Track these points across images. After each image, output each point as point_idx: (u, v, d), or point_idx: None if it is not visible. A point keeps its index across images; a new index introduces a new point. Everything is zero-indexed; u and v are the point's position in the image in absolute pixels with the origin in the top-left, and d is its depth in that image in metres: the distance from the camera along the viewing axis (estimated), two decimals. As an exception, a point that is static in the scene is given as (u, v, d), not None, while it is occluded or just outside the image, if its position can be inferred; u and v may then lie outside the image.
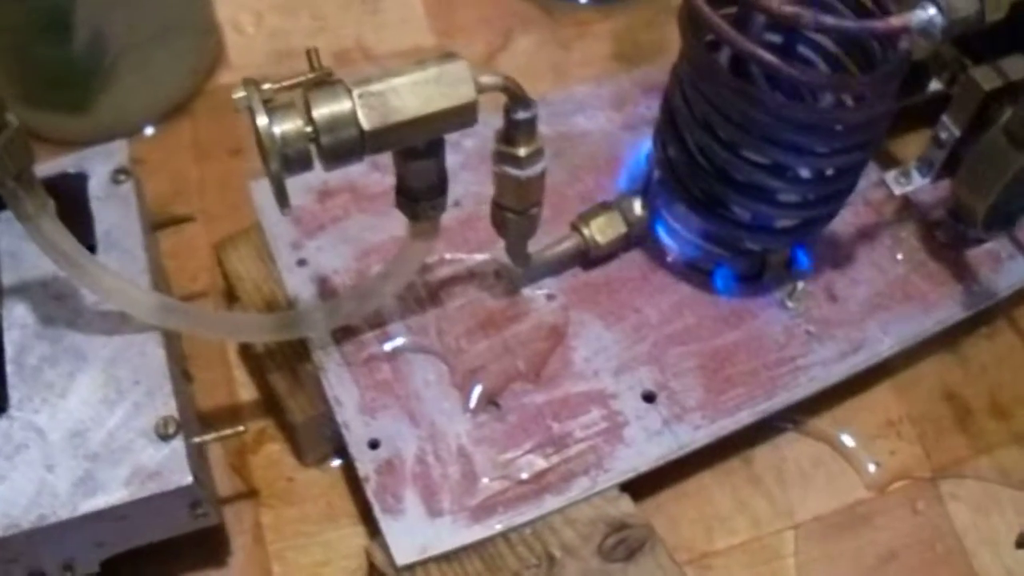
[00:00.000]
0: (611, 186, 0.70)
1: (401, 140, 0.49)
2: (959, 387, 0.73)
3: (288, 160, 0.47)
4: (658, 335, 0.64)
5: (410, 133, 0.48)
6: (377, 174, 0.67)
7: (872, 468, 0.69)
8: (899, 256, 0.71)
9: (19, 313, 0.58)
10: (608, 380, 0.62)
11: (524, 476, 0.58)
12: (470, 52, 0.88)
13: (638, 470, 0.59)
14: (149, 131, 0.82)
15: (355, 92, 0.47)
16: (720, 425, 0.61)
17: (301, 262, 0.65)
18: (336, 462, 0.66)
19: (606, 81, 0.77)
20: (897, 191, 0.74)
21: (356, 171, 0.61)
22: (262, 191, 0.67)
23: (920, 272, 0.70)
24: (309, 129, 0.47)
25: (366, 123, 0.47)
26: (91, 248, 0.60)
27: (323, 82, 0.48)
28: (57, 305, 0.59)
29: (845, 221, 0.70)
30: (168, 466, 0.53)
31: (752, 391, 0.62)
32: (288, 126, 0.46)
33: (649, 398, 0.62)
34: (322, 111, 0.46)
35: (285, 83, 0.49)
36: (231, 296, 0.69)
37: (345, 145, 0.47)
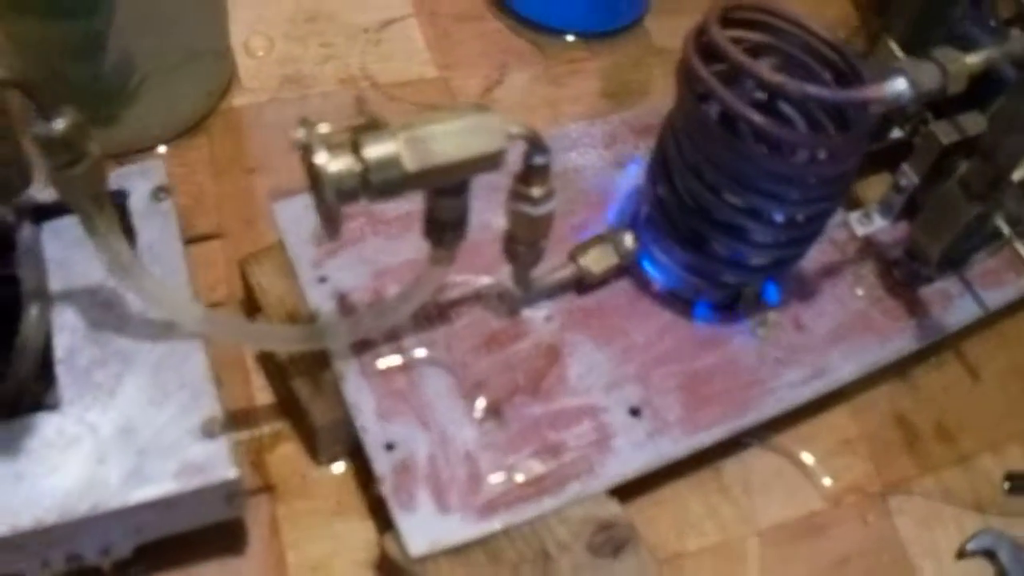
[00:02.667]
0: (602, 219, 0.79)
1: (438, 180, 0.57)
2: (909, 412, 0.83)
3: (341, 194, 0.55)
4: (644, 356, 0.73)
5: (446, 174, 0.57)
6: (391, 201, 0.76)
7: (828, 482, 0.78)
8: (859, 291, 0.80)
9: (68, 318, 0.65)
10: (599, 395, 0.71)
11: (523, 479, 0.67)
12: (469, 85, 0.98)
13: (625, 477, 0.68)
14: (161, 149, 0.89)
15: (401, 137, 0.56)
16: (697, 439, 0.70)
17: (322, 279, 0.73)
18: (345, 463, 0.74)
19: (598, 121, 0.87)
20: (859, 232, 0.84)
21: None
22: (285, 211, 0.75)
23: (878, 307, 0.80)
24: (359, 168, 0.55)
25: (410, 165, 0.55)
26: None
27: (372, 126, 0.57)
28: (104, 312, 0.66)
29: (812, 258, 0.80)
30: (213, 461, 0.61)
31: (726, 409, 0.72)
32: (342, 165, 0.55)
33: (635, 412, 0.70)
34: (371, 152, 0.55)
35: (340, 127, 0.57)
36: (251, 307, 0.77)
37: (390, 183, 0.56)
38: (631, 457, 0.69)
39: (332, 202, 0.55)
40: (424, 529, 0.65)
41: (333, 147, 0.55)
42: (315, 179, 0.55)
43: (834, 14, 1.12)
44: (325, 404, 0.70)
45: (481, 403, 0.69)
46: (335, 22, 1.03)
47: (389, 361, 0.70)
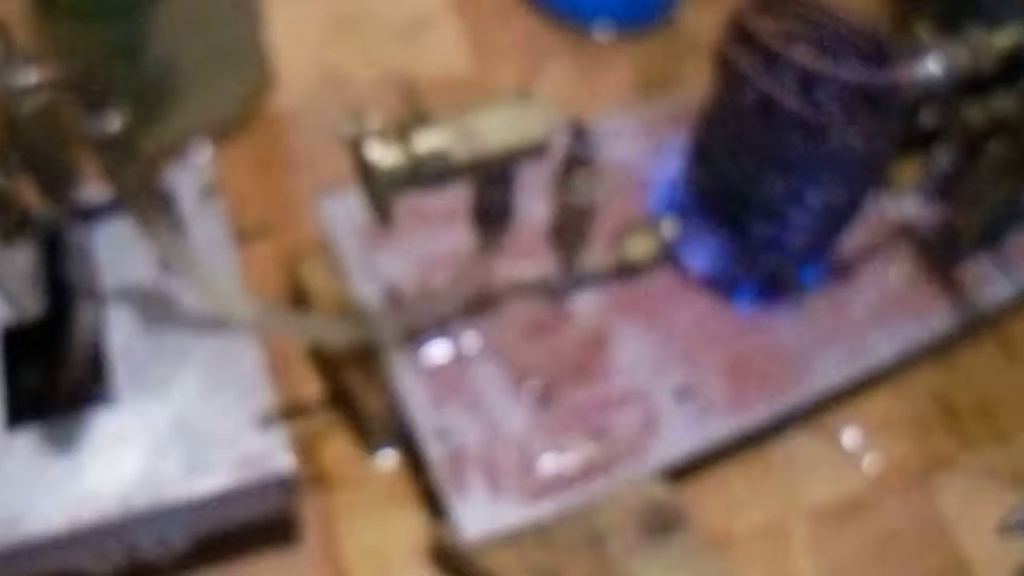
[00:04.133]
0: (642, 208, 0.81)
1: (487, 170, 0.59)
2: (948, 391, 0.85)
3: (393, 186, 0.57)
4: (687, 340, 0.75)
5: (495, 164, 0.59)
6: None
7: (870, 462, 0.80)
8: (896, 273, 0.82)
9: (122, 316, 0.67)
10: (644, 380, 0.73)
11: (573, 463, 0.69)
12: (505, 80, 0.99)
13: (673, 458, 0.70)
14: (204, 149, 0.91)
15: (449, 128, 0.57)
16: (743, 419, 0.72)
17: (371, 273, 0.75)
18: (397, 453, 0.76)
19: (634, 111, 0.89)
20: (895, 213, 0.85)
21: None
22: (331, 208, 0.77)
23: (915, 287, 0.82)
24: (410, 160, 0.57)
25: (457, 156, 0.57)
26: None
27: (419, 118, 0.58)
28: (157, 309, 0.68)
29: (848, 241, 0.81)
30: (270, 452, 0.63)
31: (770, 390, 0.74)
32: (393, 158, 0.56)
33: (680, 395, 0.73)
34: (421, 144, 0.57)
35: (384, 119, 0.59)
36: (300, 304, 0.79)
37: (441, 174, 0.58)
38: (678, 439, 0.71)
39: (384, 194, 0.57)
40: (477, 514, 0.67)
41: (382, 137, 0.57)
42: (367, 173, 0.57)
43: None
44: (376, 394, 0.72)
45: (530, 389, 0.71)
46: (372, 21, 1.05)
47: (438, 350, 0.72)
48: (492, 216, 0.64)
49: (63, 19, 0.79)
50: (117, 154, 0.57)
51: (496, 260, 0.67)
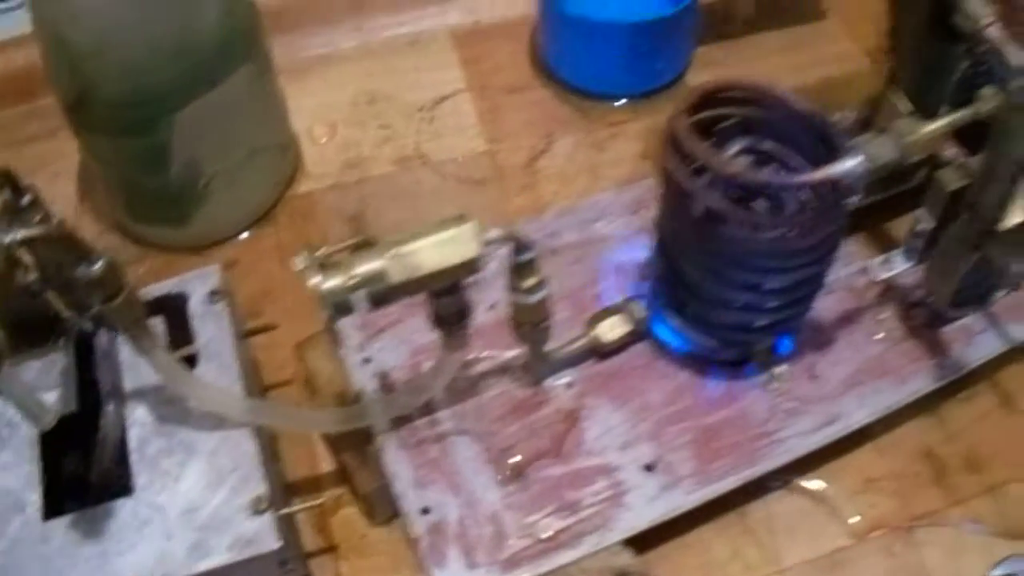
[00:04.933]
0: (622, 287, 0.87)
1: (424, 288, 0.66)
2: (937, 446, 0.88)
3: (337, 307, 0.64)
4: (658, 415, 0.81)
5: (430, 283, 0.66)
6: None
7: (854, 520, 0.84)
8: (879, 336, 0.86)
9: (139, 414, 0.77)
10: (614, 455, 0.79)
11: (544, 535, 0.75)
12: (516, 156, 1.07)
13: (637, 529, 0.76)
14: (244, 235, 1.02)
15: (387, 254, 0.64)
16: (708, 490, 0.78)
17: (366, 360, 0.83)
18: (400, 524, 0.83)
19: (627, 187, 0.95)
20: (881, 276, 0.89)
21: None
22: (333, 299, 0.85)
23: (896, 350, 0.85)
24: (351, 283, 0.64)
25: (395, 277, 0.64)
26: (193, 357, 0.79)
27: (363, 245, 0.66)
28: (169, 407, 0.77)
29: (828, 308, 0.86)
30: (261, 534, 0.72)
31: (736, 461, 0.79)
32: (335, 282, 0.64)
33: (649, 468, 0.78)
34: (361, 269, 0.64)
35: (335, 248, 0.66)
36: (313, 386, 0.87)
37: (380, 294, 0.65)
38: (643, 510, 0.77)
39: (331, 315, 0.64)
40: (454, 585, 0.74)
41: (328, 268, 0.64)
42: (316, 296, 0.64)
43: (847, 65, 1.19)
44: (370, 473, 0.80)
45: (506, 468, 0.78)
46: (393, 102, 1.14)
47: (424, 433, 0.80)
48: (449, 320, 0.70)
49: (94, 134, 0.90)
50: (102, 292, 0.67)
51: (464, 354, 0.73)
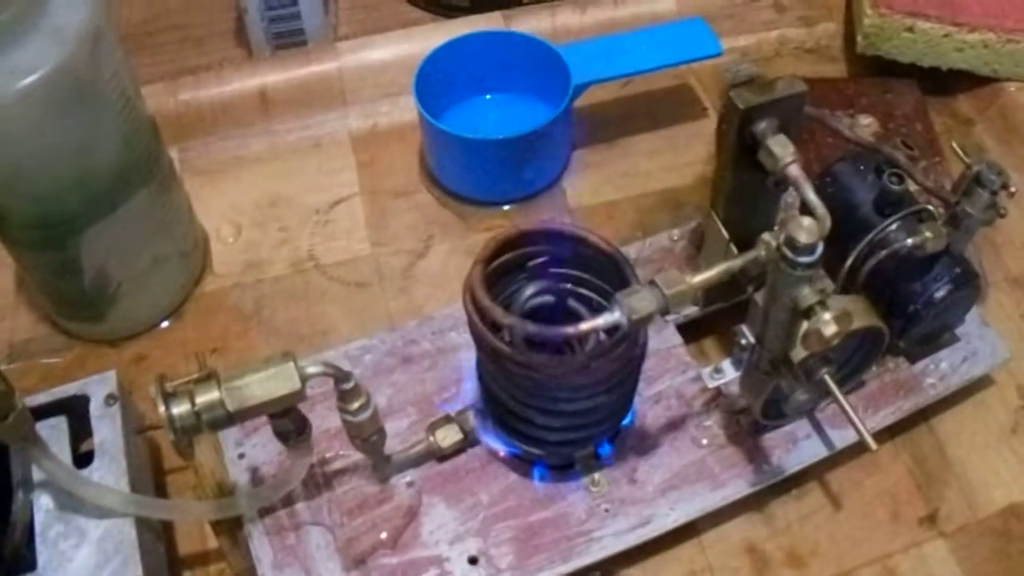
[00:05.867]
0: (465, 395, 1.09)
1: (255, 414, 0.88)
2: (761, 542, 1.07)
3: (182, 430, 0.88)
4: (487, 513, 1.01)
5: (260, 410, 0.87)
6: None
7: (673, 616, 1.04)
8: (703, 442, 1.05)
9: (44, 501, 0.98)
10: (444, 547, 0.99)
11: (379, 619, 0.98)
12: (396, 260, 1.29)
13: (460, 618, 0.98)
14: (157, 327, 1.25)
15: (223, 386, 0.88)
16: (524, 585, 0.99)
17: (241, 455, 1.05)
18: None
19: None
20: (711, 384, 1.10)
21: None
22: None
23: (717, 455, 1.04)
24: (194, 410, 0.88)
25: (230, 406, 0.86)
26: (91, 454, 1.02)
27: (205, 378, 0.90)
28: (68, 497, 0.98)
29: (656, 415, 1.06)
30: None
31: (552, 556, 0.98)
32: (180, 409, 0.86)
33: (473, 561, 0.99)
34: (201, 399, 0.86)
35: (183, 380, 0.90)
36: (199, 474, 1.12)
37: (219, 420, 0.86)
38: (466, 601, 0.98)
39: (176, 436, 0.89)
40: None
41: (174, 396, 0.88)
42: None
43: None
44: (240, 555, 1.02)
45: (350, 556, 1.00)
46: (292, 205, 1.36)
47: (284, 522, 1.01)
48: (288, 436, 0.94)
49: (15, 247, 1.13)
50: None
51: (309, 460, 0.98)
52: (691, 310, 1.17)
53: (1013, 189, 1.01)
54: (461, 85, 1.43)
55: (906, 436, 1.16)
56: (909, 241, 1.03)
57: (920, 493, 1.13)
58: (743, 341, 1.06)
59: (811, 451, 1.08)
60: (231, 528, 1.04)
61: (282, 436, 0.94)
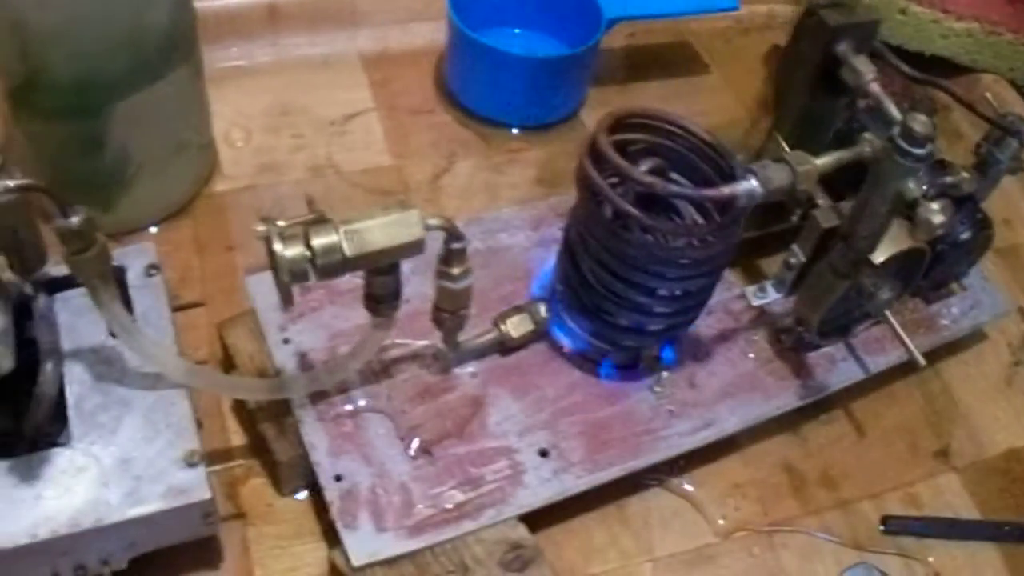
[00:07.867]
0: (525, 291, 1.08)
1: (371, 263, 0.85)
2: (797, 462, 1.11)
3: (294, 274, 0.83)
4: (553, 408, 1.01)
5: (377, 258, 0.85)
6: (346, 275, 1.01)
7: (720, 520, 1.06)
8: (751, 355, 1.09)
9: (77, 372, 0.93)
10: (513, 439, 0.99)
11: (448, 506, 0.94)
12: (420, 173, 1.28)
13: (532, 506, 0.96)
14: (152, 229, 1.20)
15: (341, 229, 0.84)
16: (596, 477, 0.98)
17: (286, 341, 1.02)
18: (305, 494, 1.02)
19: (528, 205, 1.17)
20: (754, 303, 1.12)
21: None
22: (256, 284, 1.03)
23: (766, 368, 1.08)
24: (309, 254, 0.83)
25: (348, 251, 0.83)
26: None
27: (319, 221, 0.85)
28: (106, 367, 0.93)
29: (708, 325, 1.09)
30: (193, 486, 0.88)
31: (623, 452, 0.99)
32: (295, 251, 0.83)
33: (544, 454, 0.98)
34: (318, 242, 0.83)
35: (292, 221, 0.86)
36: (228, 365, 1.06)
37: (333, 266, 0.83)
38: (538, 490, 0.97)
39: (287, 280, 0.84)
40: (364, 545, 0.92)
41: (287, 238, 0.83)
42: (274, 263, 0.83)
43: (728, 116, 1.46)
44: (287, 443, 0.98)
45: (415, 444, 0.97)
46: (305, 115, 1.35)
47: (340, 409, 0.99)
48: (382, 300, 0.90)
49: (34, 117, 1.07)
50: (76, 243, 0.85)
51: (388, 335, 0.93)
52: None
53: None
54: (491, 15, 1.44)
55: (917, 376, 1.22)
56: (948, 179, 1.07)
57: (932, 429, 1.19)
58: (792, 260, 1.09)
59: (850, 373, 1.13)
60: (276, 415, 0.99)
61: (374, 300, 0.90)
